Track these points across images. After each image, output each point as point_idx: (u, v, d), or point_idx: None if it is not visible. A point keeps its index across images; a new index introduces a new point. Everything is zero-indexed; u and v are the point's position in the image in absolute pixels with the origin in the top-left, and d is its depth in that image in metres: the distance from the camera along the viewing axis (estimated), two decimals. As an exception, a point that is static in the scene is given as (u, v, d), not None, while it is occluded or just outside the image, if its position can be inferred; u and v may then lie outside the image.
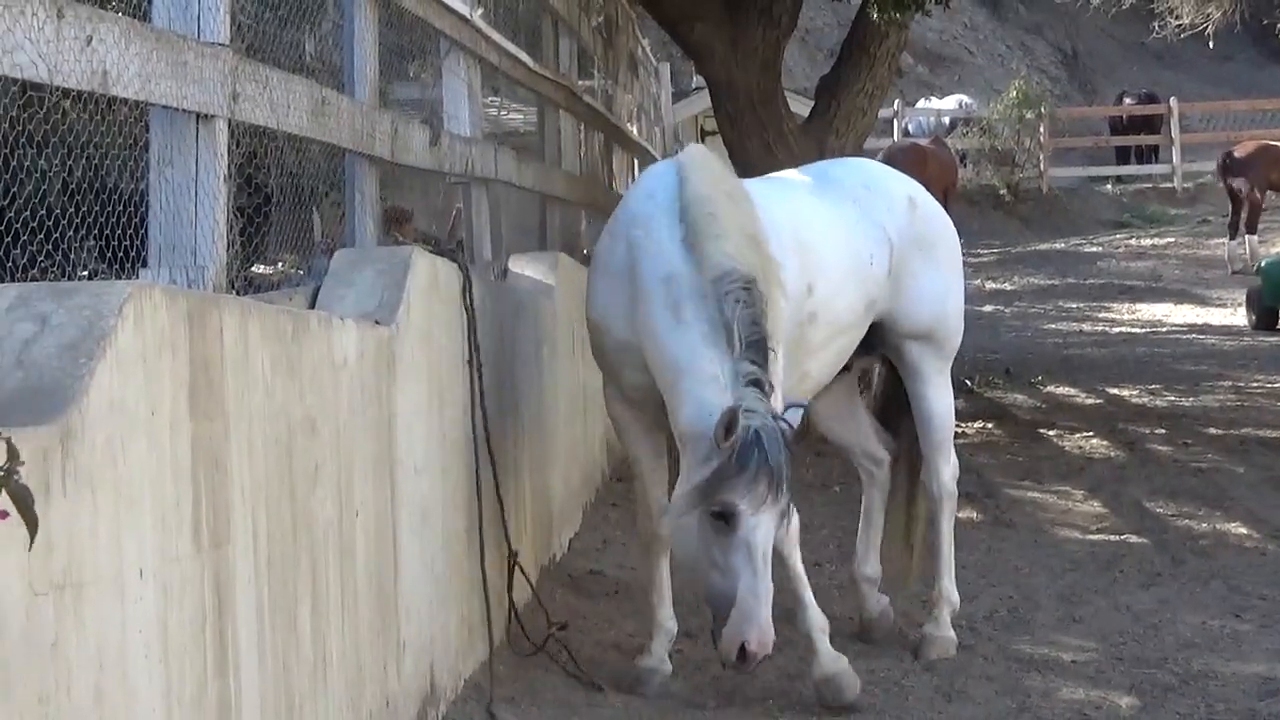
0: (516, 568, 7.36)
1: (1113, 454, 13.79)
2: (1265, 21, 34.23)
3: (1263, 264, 24.25)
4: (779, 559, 7.06)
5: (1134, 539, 10.82)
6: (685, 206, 7.04)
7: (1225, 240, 29.29)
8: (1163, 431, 14.99)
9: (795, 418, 6.78)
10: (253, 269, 7.32)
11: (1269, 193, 29.59)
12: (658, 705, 7.21)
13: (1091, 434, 14.92)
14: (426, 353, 6.46)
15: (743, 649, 6.50)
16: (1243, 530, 10.95)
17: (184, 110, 4.97)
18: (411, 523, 6.15)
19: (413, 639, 6.10)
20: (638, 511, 7.76)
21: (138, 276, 5.08)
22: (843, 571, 9.07)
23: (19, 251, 5.02)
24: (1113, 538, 10.87)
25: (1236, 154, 29.19)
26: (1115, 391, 17.81)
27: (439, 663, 6.45)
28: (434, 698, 6.34)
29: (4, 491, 3.15)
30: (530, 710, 6.74)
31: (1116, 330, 24.27)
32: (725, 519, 6.49)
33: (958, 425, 7.41)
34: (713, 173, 7.29)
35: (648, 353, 6.99)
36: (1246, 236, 28.81)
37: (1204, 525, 11.13)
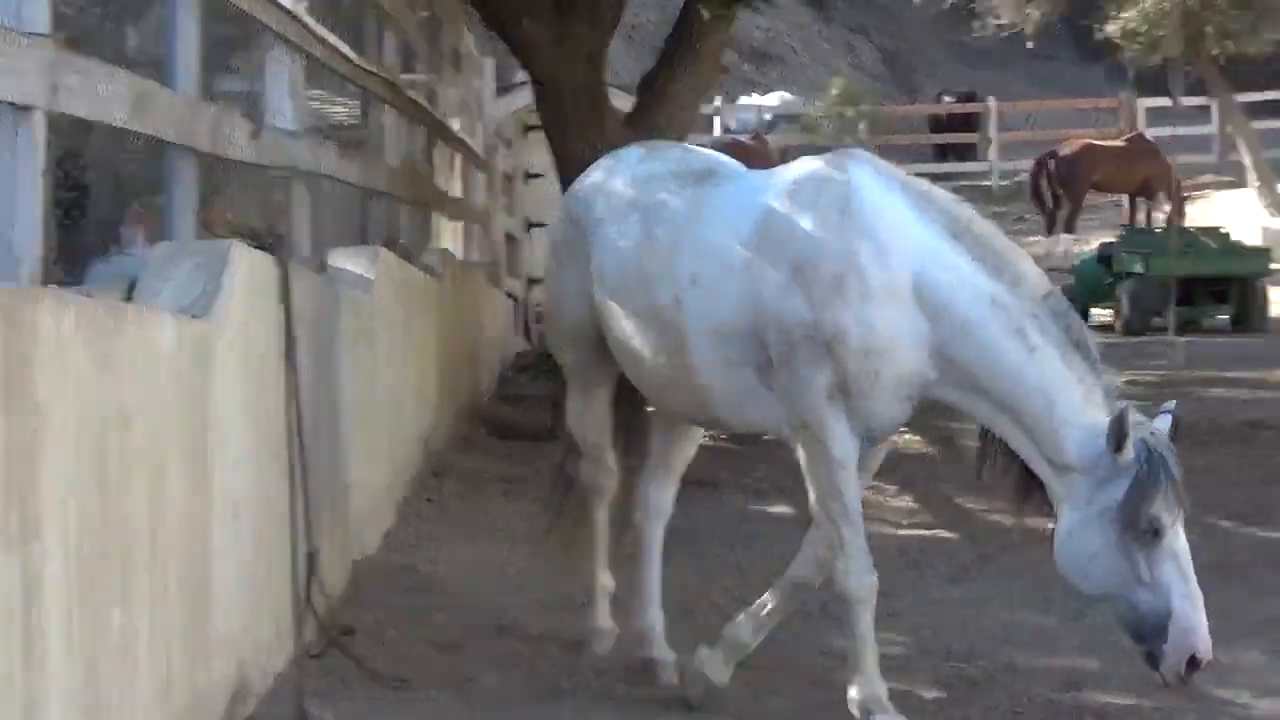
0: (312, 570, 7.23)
1: (925, 449, 13.93)
2: (1083, 22, 34.84)
3: (1075, 264, 24.73)
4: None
5: (944, 534, 10.98)
6: (958, 227, 6.87)
7: (1040, 238, 29.79)
8: (973, 426, 15.16)
9: (1165, 424, 6.62)
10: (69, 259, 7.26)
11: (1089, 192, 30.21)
12: (468, 699, 7.23)
13: (905, 430, 15.07)
14: (244, 346, 6.44)
15: (1191, 659, 6.30)
16: (1051, 526, 11.09)
17: (1, 101, 4.93)
18: (225, 518, 6.14)
19: (223, 635, 6.09)
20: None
21: (-50, 271, 5.04)
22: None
23: None
24: (923, 533, 11.01)
25: (1061, 153, 29.71)
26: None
27: (249, 659, 6.44)
28: (243, 694, 6.32)
29: None
30: (343, 704, 6.74)
31: (933, 327, 24.57)
32: (1151, 533, 6.37)
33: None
34: (939, 191, 7.09)
35: (994, 386, 6.71)
36: (1061, 235, 29.34)
37: (1012, 520, 11.28)
